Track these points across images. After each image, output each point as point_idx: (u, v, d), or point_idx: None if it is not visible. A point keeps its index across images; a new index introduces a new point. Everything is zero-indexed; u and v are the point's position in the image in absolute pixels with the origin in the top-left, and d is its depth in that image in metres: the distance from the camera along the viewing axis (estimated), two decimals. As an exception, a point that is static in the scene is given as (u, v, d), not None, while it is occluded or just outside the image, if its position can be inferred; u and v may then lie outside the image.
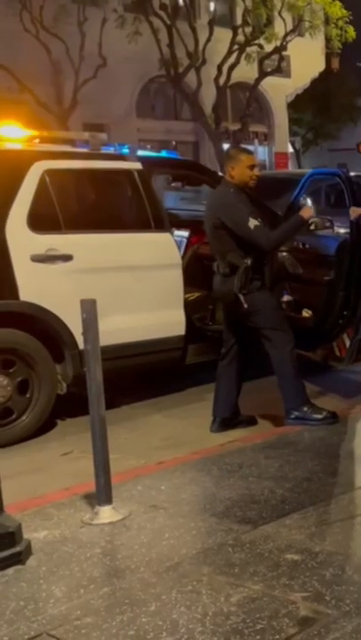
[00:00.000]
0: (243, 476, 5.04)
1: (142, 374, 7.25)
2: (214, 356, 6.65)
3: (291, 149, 32.62)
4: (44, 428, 6.37)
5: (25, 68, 20.50)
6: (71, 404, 6.46)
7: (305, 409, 6.06)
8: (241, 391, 6.36)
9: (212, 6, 25.74)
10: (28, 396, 6.25)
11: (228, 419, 6.30)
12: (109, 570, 3.88)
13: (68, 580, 3.74)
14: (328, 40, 25.90)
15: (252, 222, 5.84)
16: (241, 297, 5.94)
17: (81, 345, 5.44)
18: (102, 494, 4.45)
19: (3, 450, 5.84)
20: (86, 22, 22.13)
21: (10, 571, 3.81)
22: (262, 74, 25.33)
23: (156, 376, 7.43)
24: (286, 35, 24.76)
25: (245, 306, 5.95)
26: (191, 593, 3.60)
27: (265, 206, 8.05)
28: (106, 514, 4.41)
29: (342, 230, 7.58)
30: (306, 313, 7.47)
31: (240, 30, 24.31)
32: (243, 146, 23.39)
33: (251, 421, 6.40)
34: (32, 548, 3.99)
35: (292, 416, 6.07)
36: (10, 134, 6.85)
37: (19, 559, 3.86)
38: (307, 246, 7.91)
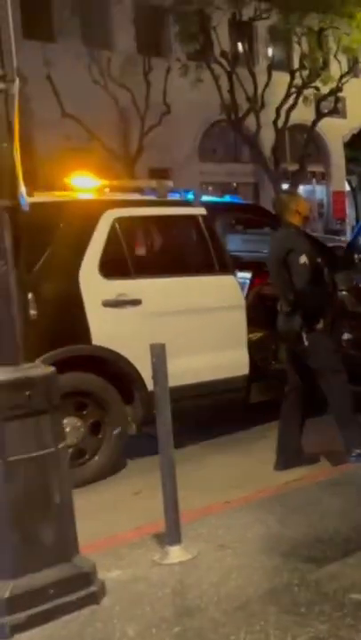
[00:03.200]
0: (307, 515, 4.98)
1: (208, 413, 7.24)
2: (277, 394, 6.62)
3: (348, 188, 32.47)
4: (114, 467, 6.38)
5: (93, 118, 20.85)
6: (140, 444, 6.48)
7: (366, 446, 6.00)
8: (304, 429, 6.32)
9: (270, 52, 25.92)
10: (99, 436, 6.28)
11: (291, 457, 6.24)
12: (180, 609, 3.87)
13: (140, 620, 3.74)
14: (382, 80, 25.87)
15: (303, 259, 5.89)
16: (303, 335, 5.94)
17: (150, 386, 5.48)
18: (172, 534, 4.44)
19: (76, 490, 5.84)
20: (151, 72, 22.46)
21: (85, 610, 3.82)
22: (319, 115, 25.37)
23: (220, 415, 7.40)
24: (342, 77, 24.81)
25: (306, 343, 5.94)
26: (259, 633, 3.57)
27: (323, 245, 8.05)
28: (176, 553, 4.40)
29: None
30: (366, 350, 7.39)
31: (297, 74, 24.44)
32: (300, 186, 23.58)
33: (313, 459, 6.33)
34: (106, 588, 4.00)
35: (354, 454, 6.00)
36: (82, 184, 6.96)
37: (94, 599, 3.87)
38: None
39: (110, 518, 5.35)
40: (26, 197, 3.92)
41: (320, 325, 5.98)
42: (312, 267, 6.03)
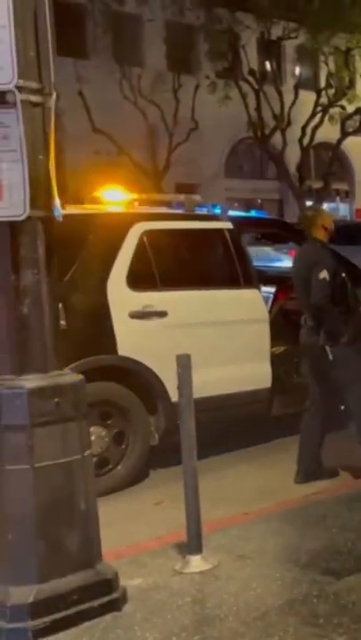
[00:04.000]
0: (326, 528, 4.96)
1: (230, 425, 7.21)
2: (299, 407, 6.59)
3: (371, 206, 32.43)
4: (137, 477, 6.37)
5: (123, 134, 20.97)
6: (162, 454, 6.48)
7: (387, 461, 5.97)
8: (324, 442, 6.29)
9: (297, 71, 25.93)
10: (123, 446, 6.27)
11: (311, 470, 6.21)
12: (200, 618, 3.86)
13: (161, 628, 3.73)
14: None
15: (324, 274, 5.86)
16: (328, 348, 5.93)
17: (173, 397, 5.48)
18: (193, 544, 4.43)
19: (99, 499, 5.82)
20: (180, 89, 22.55)
21: (107, 617, 3.82)
22: (344, 134, 25.34)
23: (242, 427, 7.38)
24: (367, 96, 24.80)
25: (331, 357, 5.93)
26: (278, 644, 3.54)
27: (347, 261, 8.03)
28: (196, 563, 4.38)
29: None
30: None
31: (324, 93, 24.45)
32: (325, 203, 23.53)
33: (333, 473, 6.30)
34: (127, 595, 3.99)
35: (375, 468, 5.98)
36: (112, 198, 7.00)
37: (116, 606, 3.86)
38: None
39: (132, 527, 5.35)
40: (59, 208, 3.94)
41: (344, 339, 5.95)
42: (336, 282, 6.02)
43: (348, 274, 6.86)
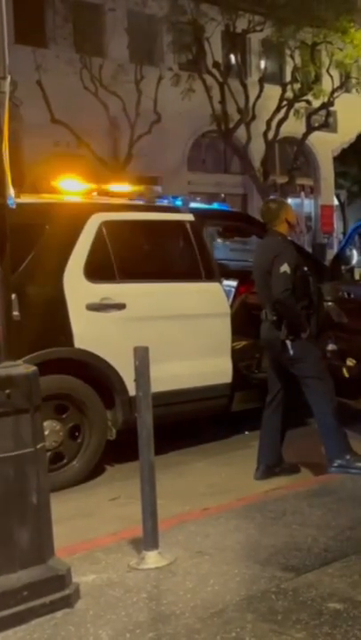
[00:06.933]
0: (286, 524, 4.97)
1: (190, 420, 7.21)
2: (260, 403, 6.61)
3: (336, 202, 32.61)
4: (92, 473, 6.35)
5: (83, 124, 20.88)
6: (118, 450, 6.45)
7: (347, 457, 5.98)
8: (285, 439, 6.32)
9: (262, 64, 26.00)
10: (79, 441, 6.25)
11: (271, 466, 6.24)
12: (155, 615, 3.84)
13: (114, 625, 3.70)
14: (374, 96, 26.00)
15: (285, 267, 5.87)
16: (288, 343, 5.94)
17: (131, 391, 5.45)
18: (149, 539, 4.40)
19: (53, 494, 5.81)
20: (143, 80, 22.48)
21: (59, 613, 3.79)
22: (310, 129, 25.48)
23: (202, 423, 7.38)
24: (333, 91, 24.93)
25: (291, 352, 5.95)
26: (235, 640, 3.54)
27: (310, 255, 8.08)
28: (152, 559, 4.36)
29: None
30: (350, 362, 7.41)
31: (289, 87, 24.57)
32: (289, 199, 23.62)
33: (294, 469, 6.33)
34: (80, 592, 3.96)
35: (335, 464, 6.00)
36: (70, 187, 6.96)
37: (68, 602, 3.83)
38: (351, 296, 7.89)
39: (86, 523, 5.33)
40: (13, 196, 3.89)
41: (305, 334, 5.98)
42: (299, 276, 6.03)
43: (312, 269, 6.90)
